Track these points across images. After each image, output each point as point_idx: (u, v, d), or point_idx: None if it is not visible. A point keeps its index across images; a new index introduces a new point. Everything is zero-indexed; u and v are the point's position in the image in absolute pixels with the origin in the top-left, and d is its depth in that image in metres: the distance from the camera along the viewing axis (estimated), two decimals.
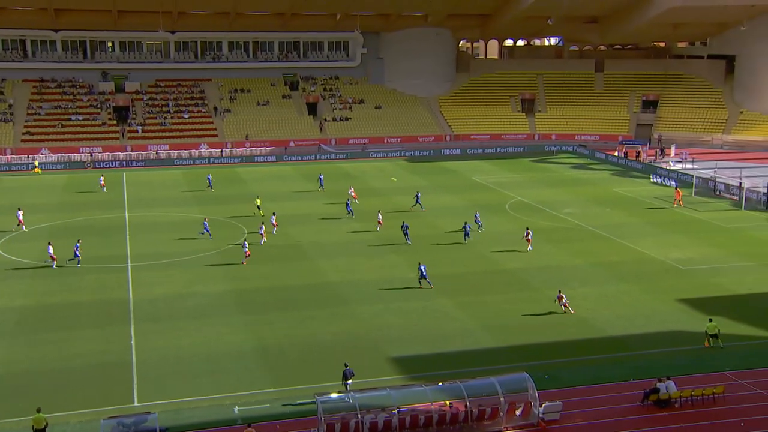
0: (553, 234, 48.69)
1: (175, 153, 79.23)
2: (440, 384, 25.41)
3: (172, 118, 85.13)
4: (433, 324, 33.44)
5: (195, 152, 79.99)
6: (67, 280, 38.81)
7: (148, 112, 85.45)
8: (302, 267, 41.37)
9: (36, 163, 72.72)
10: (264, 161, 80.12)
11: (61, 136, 79.59)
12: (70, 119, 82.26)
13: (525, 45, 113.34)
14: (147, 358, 29.63)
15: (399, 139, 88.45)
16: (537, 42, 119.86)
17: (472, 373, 27.47)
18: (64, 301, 35.74)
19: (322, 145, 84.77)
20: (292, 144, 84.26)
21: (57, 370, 28.53)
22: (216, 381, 27.81)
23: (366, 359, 29.66)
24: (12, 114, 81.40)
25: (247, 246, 42.41)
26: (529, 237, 44.75)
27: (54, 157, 75.98)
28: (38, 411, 23.80)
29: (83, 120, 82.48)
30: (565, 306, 34.38)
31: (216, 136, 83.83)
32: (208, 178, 63.92)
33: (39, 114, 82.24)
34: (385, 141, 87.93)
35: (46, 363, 29.07)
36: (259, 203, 54.33)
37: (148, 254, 43.62)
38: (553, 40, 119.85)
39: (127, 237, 47.62)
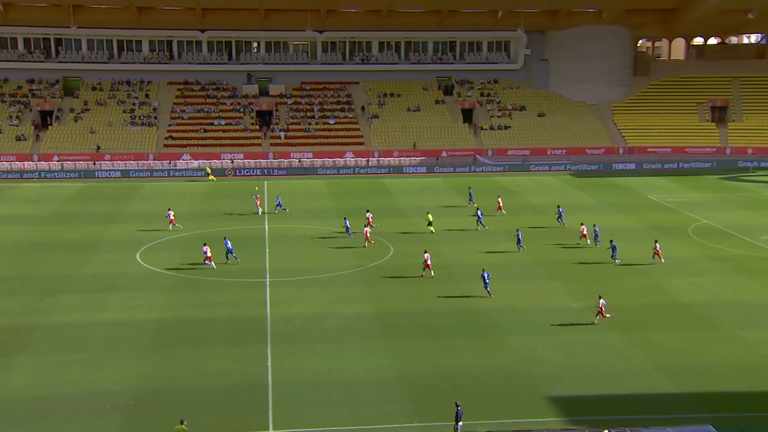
0: (747, 264, 45.91)
1: (318, 161, 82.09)
2: (606, 431, 24.59)
3: (316, 123, 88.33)
4: (598, 361, 32.42)
5: (340, 161, 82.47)
6: (205, 294, 41.07)
7: (292, 117, 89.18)
8: (449, 289, 41.44)
9: (208, 169, 77.58)
10: (413, 172, 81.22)
11: (203, 142, 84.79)
12: (212, 124, 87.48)
13: (718, 44, 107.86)
14: (283, 381, 30.71)
15: (564, 150, 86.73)
16: (733, 40, 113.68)
17: (645, 422, 26.35)
18: (201, 316, 37.81)
19: (477, 156, 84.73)
20: (444, 154, 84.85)
21: (191, 388, 30.18)
22: (354, 411, 28.34)
23: (520, 397, 29.18)
24: (156, 118, 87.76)
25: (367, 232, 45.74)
26: (659, 250, 45.33)
27: (195, 163, 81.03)
28: (181, 422, 25.31)
29: (225, 125, 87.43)
30: (600, 314, 35.86)
31: (362, 144, 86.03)
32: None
33: (182, 118, 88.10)
34: (549, 153, 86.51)
35: (180, 381, 30.84)
36: (431, 219, 54.38)
37: (288, 269, 45.27)
38: (753, 38, 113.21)
39: (266, 250, 49.73)
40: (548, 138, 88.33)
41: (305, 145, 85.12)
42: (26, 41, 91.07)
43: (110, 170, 78.34)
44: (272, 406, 28.73)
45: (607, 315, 36.37)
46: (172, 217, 54.71)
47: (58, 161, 79.86)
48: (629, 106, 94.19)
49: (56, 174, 77.25)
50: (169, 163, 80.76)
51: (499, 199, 60.65)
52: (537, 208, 62.38)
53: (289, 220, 57.83)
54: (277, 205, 54.26)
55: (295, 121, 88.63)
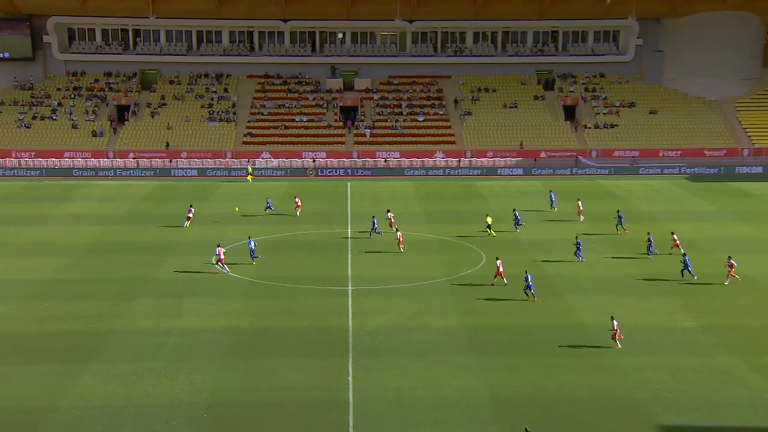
0: None
1: (406, 161, 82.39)
2: None
3: (404, 120, 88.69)
4: (715, 388, 31.45)
5: (429, 161, 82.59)
6: (283, 301, 41.78)
7: (379, 114, 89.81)
8: (549, 304, 40.92)
9: (249, 168, 79.37)
10: (509, 174, 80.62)
11: (284, 139, 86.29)
12: (293, 120, 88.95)
13: None
14: (365, 398, 30.93)
15: (679, 152, 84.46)
16: None
17: None
18: (279, 325, 38.46)
19: (580, 157, 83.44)
20: (543, 155, 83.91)
21: (267, 402, 30.70)
22: None
23: (628, 423, 28.62)
24: (234, 113, 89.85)
25: None
26: (732, 267, 43.54)
27: (275, 162, 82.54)
28: None
29: (307, 121, 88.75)
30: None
31: (454, 143, 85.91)
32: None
33: (262, 114, 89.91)
34: (661, 154, 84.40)
35: (257, 394, 31.41)
36: (490, 222, 54.95)
37: (372, 278, 45.60)
38: None
39: (349, 257, 50.20)
40: (661, 138, 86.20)
41: (392, 143, 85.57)
42: (104, 33, 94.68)
43: (186, 168, 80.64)
44: (353, 425, 28.97)
45: (618, 341, 35.22)
46: (191, 215, 57.55)
47: (133, 158, 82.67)
48: (757, 102, 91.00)
49: (131, 172, 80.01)
50: (248, 161, 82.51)
51: (579, 203, 59.73)
52: (646, 215, 60.95)
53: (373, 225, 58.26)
54: (372, 230, 53.91)
55: (382, 117, 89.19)
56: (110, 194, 70.11)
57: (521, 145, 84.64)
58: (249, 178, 78.07)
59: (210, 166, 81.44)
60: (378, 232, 54.23)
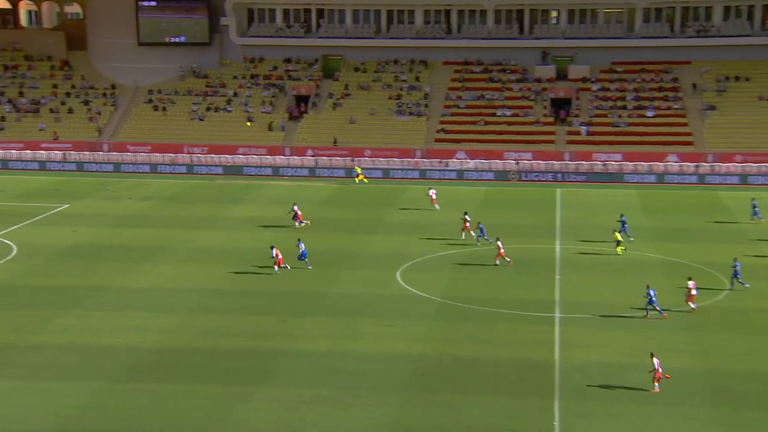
0: None
1: (629, 165, 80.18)
2: None
3: (629, 116, 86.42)
4: None
5: (659, 166, 79.92)
6: (476, 326, 41.57)
7: (598, 108, 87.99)
8: None
9: (357, 169, 79.97)
10: (763, 183, 76.66)
11: (483, 137, 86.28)
12: (495, 114, 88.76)
13: None
14: None
15: None
16: None
17: None
18: (471, 355, 38.26)
19: None
20: None
21: None
22: None
23: None
24: (426, 106, 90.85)
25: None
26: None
27: (471, 163, 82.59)
28: None
29: (511, 116, 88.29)
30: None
31: (691, 144, 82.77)
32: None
33: (458, 106, 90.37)
34: None
35: None
36: (619, 238, 54.09)
37: (585, 303, 44.69)
38: None
39: (557, 277, 49.37)
40: None
41: (613, 143, 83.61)
42: (285, 13, 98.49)
43: (371, 168, 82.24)
44: None
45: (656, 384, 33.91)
46: (299, 213, 61.02)
47: (312, 156, 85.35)
48: None
49: (309, 171, 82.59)
50: (440, 162, 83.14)
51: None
52: None
53: (588, 241, 56.96)
54: (480, 235, 55.01)
55: (602, 112, 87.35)
56: (285, 196, 72.54)
57: None
58: (359, 179, 78.80)
59: (396, 167, 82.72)
60: (487, 239, 55.24)
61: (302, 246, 51.57)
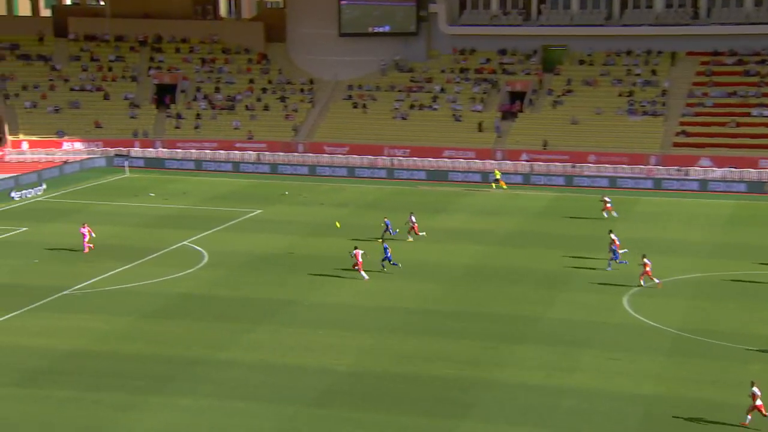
0: None
1: None
2: None
3: None
4: None
5: None
6: (720, 366, 40.32)
7: None
8: None
9: (497, 173, 78.83)
10: None
11: (733, 141, 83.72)
12: (749, 114, 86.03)
13: None
14: None
15: None
16: None
17: None
18: (713, 399, 37.16)
19: None
20: None
21: None
22: None
23: None
24: (664, 104, 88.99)
25: None
26: None
27: (718, 172, 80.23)
28: None
29: None
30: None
31: None
32: None
33: (704, 105, 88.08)
34: None
35: None
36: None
37: None
38: None
39: None
40: None
41: None
42: None
43: (594, 176, 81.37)
44: None
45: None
46: (414, 222, 61.06)
47: (526, 161, 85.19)
48: None
49: (523, 178, 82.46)
50: (678, 170, 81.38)
51: None
52: None
53: None
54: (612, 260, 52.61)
55: None
56: (495, 206, 72.82)
57: None
58: (499, 185, 78.09)
59: (625, 175, 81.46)
60: (621, 262, 54.19)
61: (388, 251, 53.93)
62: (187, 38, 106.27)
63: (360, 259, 52.68)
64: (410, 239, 61.20)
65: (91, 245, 58.69)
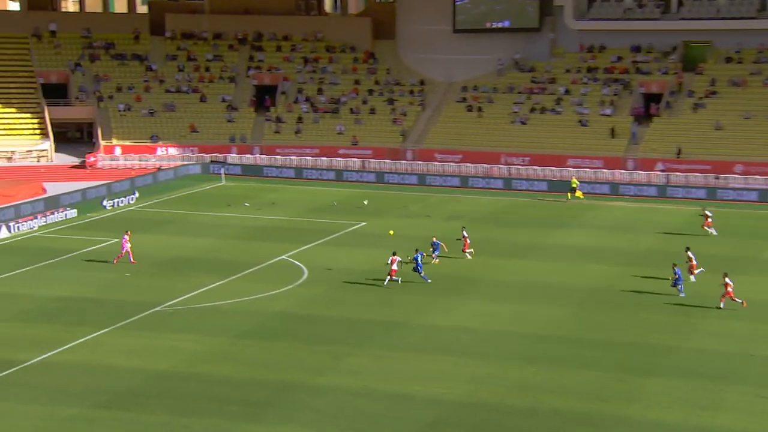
0: None
1: None
2: None
3: None
4: None
5: None
6: None
7: None
8: None
9: (575, 182, 77.97)
10: None
11: None
12: None
13: None
14: None
15: None
16: None
17: None
18: None
19: None
20: None
21: None
22: None
23: None
24: None
25: None
26: None
27: None
28: None
29: None
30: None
31: None
32: None
33: None
34: None
35: None
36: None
37: None
38: None
39: None
40: None
41: None
42: None
43: (740, 189, 79.27)
44: None
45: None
46: (468, 240, 60.26)
47: (662, 171, 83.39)
48: None
49: (658, 190, 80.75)
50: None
51: None
52: None
53: None
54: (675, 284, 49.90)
55: None
56: (627, 221, 71.56)
57: None
58: (576, 195, 76.98)
59: None
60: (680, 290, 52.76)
61: (419, 258, 54.85)
62: (289, 35, 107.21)
63: (395, 267, 53.43)
64: (468, 257, 60.18)
65: (132, 259, 59.39)
